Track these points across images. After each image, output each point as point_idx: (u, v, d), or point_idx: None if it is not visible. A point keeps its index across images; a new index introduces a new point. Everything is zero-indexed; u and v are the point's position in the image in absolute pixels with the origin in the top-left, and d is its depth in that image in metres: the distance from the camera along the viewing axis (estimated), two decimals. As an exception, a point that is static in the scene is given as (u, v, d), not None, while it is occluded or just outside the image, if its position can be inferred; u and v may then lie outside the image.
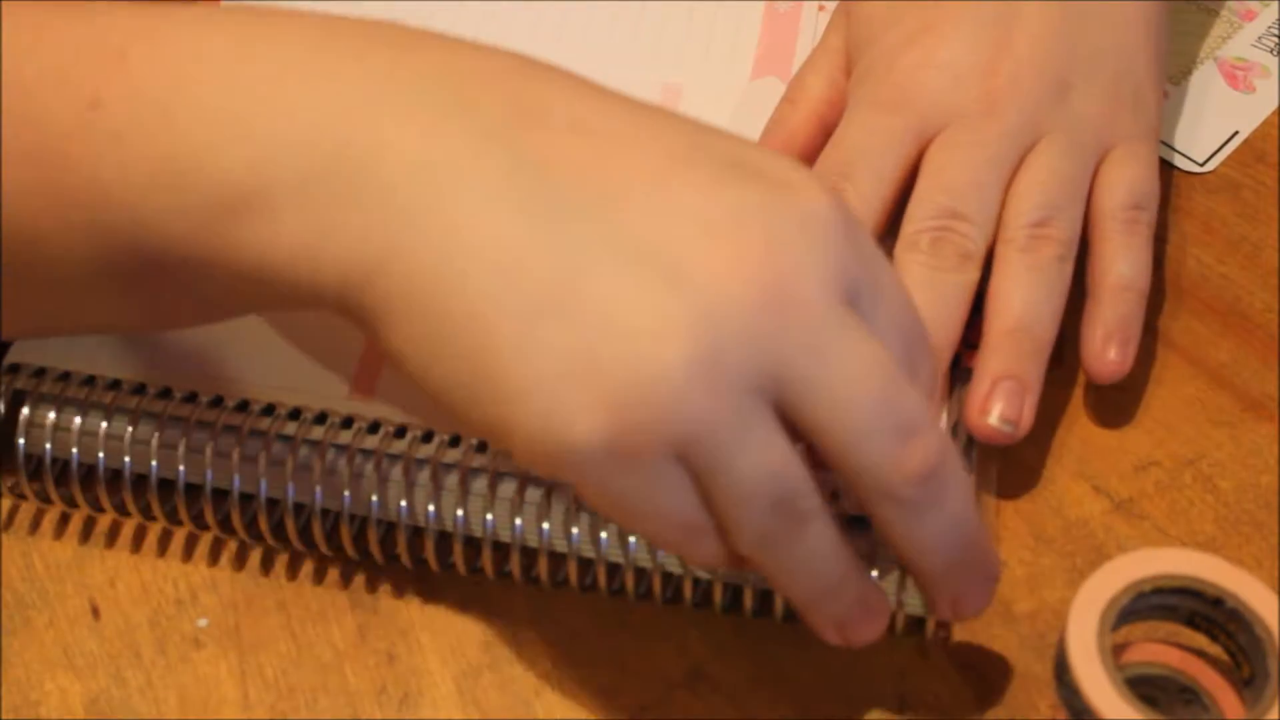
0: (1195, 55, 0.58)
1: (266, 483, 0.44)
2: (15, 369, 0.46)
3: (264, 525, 0.45)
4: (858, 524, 0.42)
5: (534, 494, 0.43)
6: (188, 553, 0.46)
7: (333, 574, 0.46)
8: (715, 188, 0.35)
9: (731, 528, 0.36)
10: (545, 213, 0.34)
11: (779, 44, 0.57)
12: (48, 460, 0.45)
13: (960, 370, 0.47)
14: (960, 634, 0.44)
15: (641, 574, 0.44)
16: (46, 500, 0.46)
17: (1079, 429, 0.49)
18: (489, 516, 0.43)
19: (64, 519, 0.47)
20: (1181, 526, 0.46)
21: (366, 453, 0.44)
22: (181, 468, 0.45)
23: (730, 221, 0.34)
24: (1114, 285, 0.48)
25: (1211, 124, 0.56)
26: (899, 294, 0.38)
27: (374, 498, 0.44)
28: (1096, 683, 0.37)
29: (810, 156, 0.51)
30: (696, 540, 0.36)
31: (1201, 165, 0.55)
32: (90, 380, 0.45)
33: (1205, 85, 0.57)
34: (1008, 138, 0.48)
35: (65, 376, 0.45)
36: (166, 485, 0.45)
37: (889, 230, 0.49)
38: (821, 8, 0.58)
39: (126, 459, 0.45)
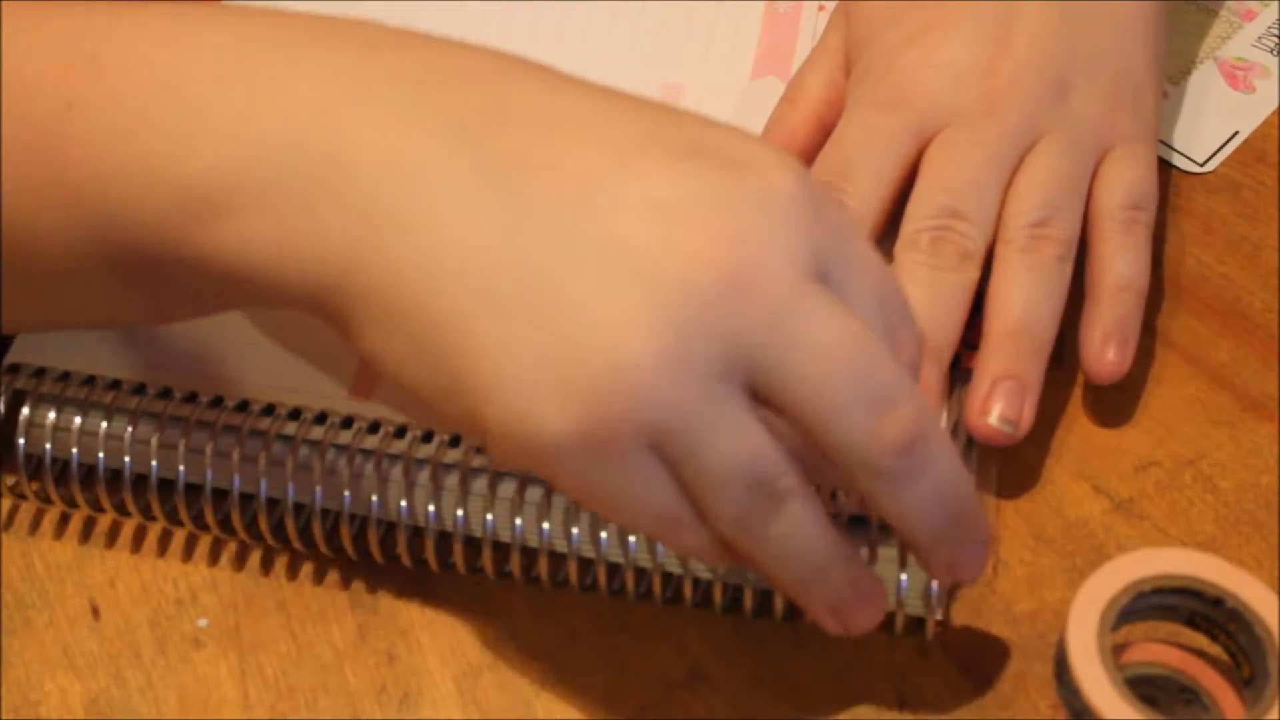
0: (1195, 55, 0.58)
1: (266, 483, 0.44)
2: (15, 369, 0.46)
3: (264, 525, 0.45)
4: (858, 524, 0.42)
5: (534, 494, 0.43)
6: (188, 553, 0.47)
7: (333, 574, 0.46)
8: (676, 174, 0.35)
9: (709, 512, 0.36)
10: (512, 212, 0.35)
11: (779, 44, 0.57)
12: (48, 460, 0.45)
13: (960, 370, 0.47)
14: (960, 634, 0.44)
15: (641, 574, 0.44)
16: (46, 500, 0.46)
17: (1079, 429, 0.49)
18: (489, 516, 0.43)
19: (64, 519, 0.47)
20: (1181, 526, 0.46)
21: (366, 453, 0.44)
22: (181, 468, 0.45)
23: (692, 208, 0.35)
24: (1112, 285, 0.48)
25: (1211, 124, 0.56)
26: (872, 262, 0.38)
27: (374, 498, 0.44)
28: (1096, 683, 0.37)
29: (810, 156, 0.51)
30: (677, 528, 0.37)
31: (1201, 165, 0.55)
32: (90, 380, 0.45)
33: (1205, 85, 0.57)
34: (1007, 137, 0.48)
35: (65, 376, 0.45)
36: (166, 485, 0.45)
37: (889, 230, 0.49)
38: (821, 8, 0.58)
39: (126, 459, 0.45)
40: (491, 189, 0.35)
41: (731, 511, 0.36)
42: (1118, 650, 0.40)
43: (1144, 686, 0.40)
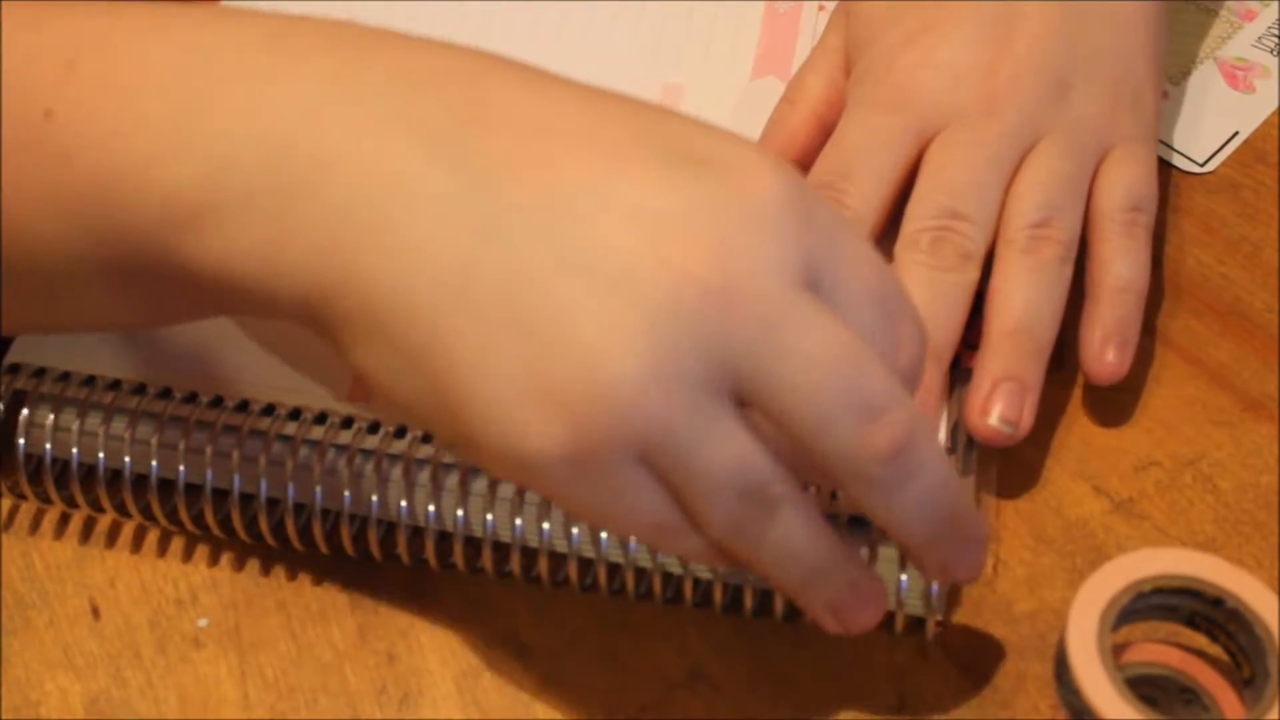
0: (1195, 55, 0.58)
1: (266, 483, 0.44)
2: (15, 369, 0.46)
3: (264, 525, 0.45)
4: (858, 524, 0.42)
5: (534, 494, 0.43)
6: (188, 553, 0.47)
7: (333, 574, 0.46)
8: (662, 180, 0.35)
9: (702, 520, 0.36)
10: (495, 225, 0.34)
11: (779, 44, 0.57)
12: (48, 460, 0.45)
13: (960, 371, 0.47)
14: (960, 635, 0.44)
15: (641, 574, 0.44)
16: (46, 500, 0.46)
17: (1079, 429, 0.49)
18: (489, 516, 0.43)
19: (64, 519, 0.47)
20: (1181, 526, 0.46)
21: (366, 453, 0.44)
22: (181, 468, 0.45)
23: (679, 217, 0.34)
24: (1112, 287, 0.48)
25: (1211, 124, 0.56)
26: (867, 260, 0.37)
27: (374, 498, 0.44)
28: (1096, 683, 0.37)
29: (810, 156, 0.51)
30: (671, 536, 0.37)
31: (1201, 165, 0.55)
32: (90, 380, 0.45)
33: (1205, 85, 0.57)
34: (1007, 138, 0.48)
35: (65, 377, 0.45)
36: (166, 485, 0.45)
37: (889, 229, 0.49)
38: (821, 8, 0.58)
39: (126, 459, 0.45)
40: (471, 196, 0.34)
41: (724, 519, 0.36)
42: (1118, 650, 0.40)
43: (1144, 686, 0.40)
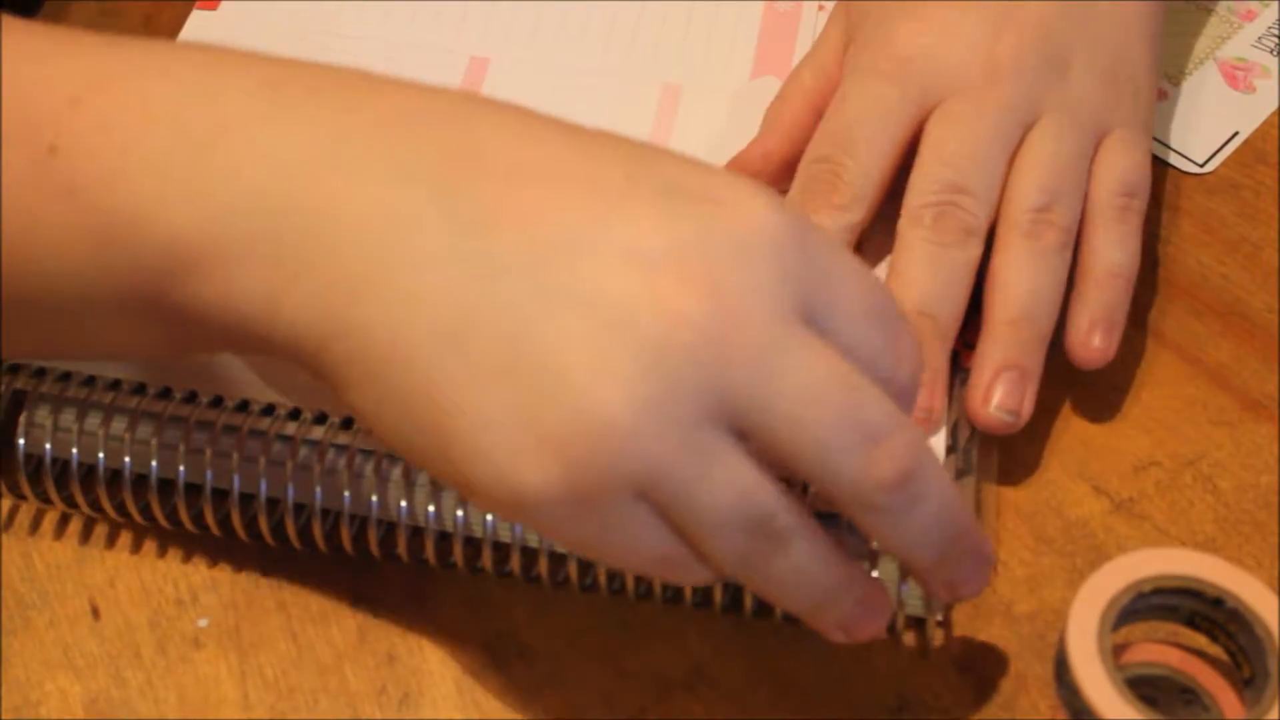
0: (1195, 55, 0.58)
1: (266, 483, 0.44)
2: (15, 369, 0.46)
3: (264, 525, 0.45)
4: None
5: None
6: (188, 553, 0.47)
7: (333, 574, 0.46)
8: (653, 223, 0.35)
9: (708, 555, 0.36)
10: (488, 271, 0.34)
11: (778, 44, 0.57)
12: (48, 461, 0.45)
13: (960, 371, 0.47)
14: (960, 634, 0.44)
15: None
16: (46, 501, 0.46)
17: (1079, 429, 0.49)
18: (489, 516, 0.43)
19: (64, 519, 0.47)
20: (1181, 526, 0.46)
21: (366, 453, 0.44)
22: (181, 468, 0.45)
23: (671, 258, 0.34)
24: (1103, 272, 0.48)
25: (1211, 124, 0.56)
26: (859, 280, 0.37)
27: (374, 498, 0.44)
28: (1096, 683, 0.37)
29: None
30: (676, 569, 0.37)
31: (1201, 166, 0.55)
32: (90, 380, 0.45)
33: (1205, 85, 0.57)
34: (1008, 111, 0.48)
35: (65, 376, 0.45)
36: (166, 485, 0.45)
37: (889, 199, 0.48)
38: (821, 7, 0.58)
39: (126, 459, 0.45)
40: (465, 242, 0.35)
41: (730, 554, 0.36)
42: (1118, 650, 0.40)
43: (1144, 686, 0.40)
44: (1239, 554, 0.46)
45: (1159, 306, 0.51)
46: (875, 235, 0.49)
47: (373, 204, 0.35)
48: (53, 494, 0.46)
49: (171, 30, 0.57)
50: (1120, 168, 0.49)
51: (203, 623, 0.45)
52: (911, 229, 0.47)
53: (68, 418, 0.45)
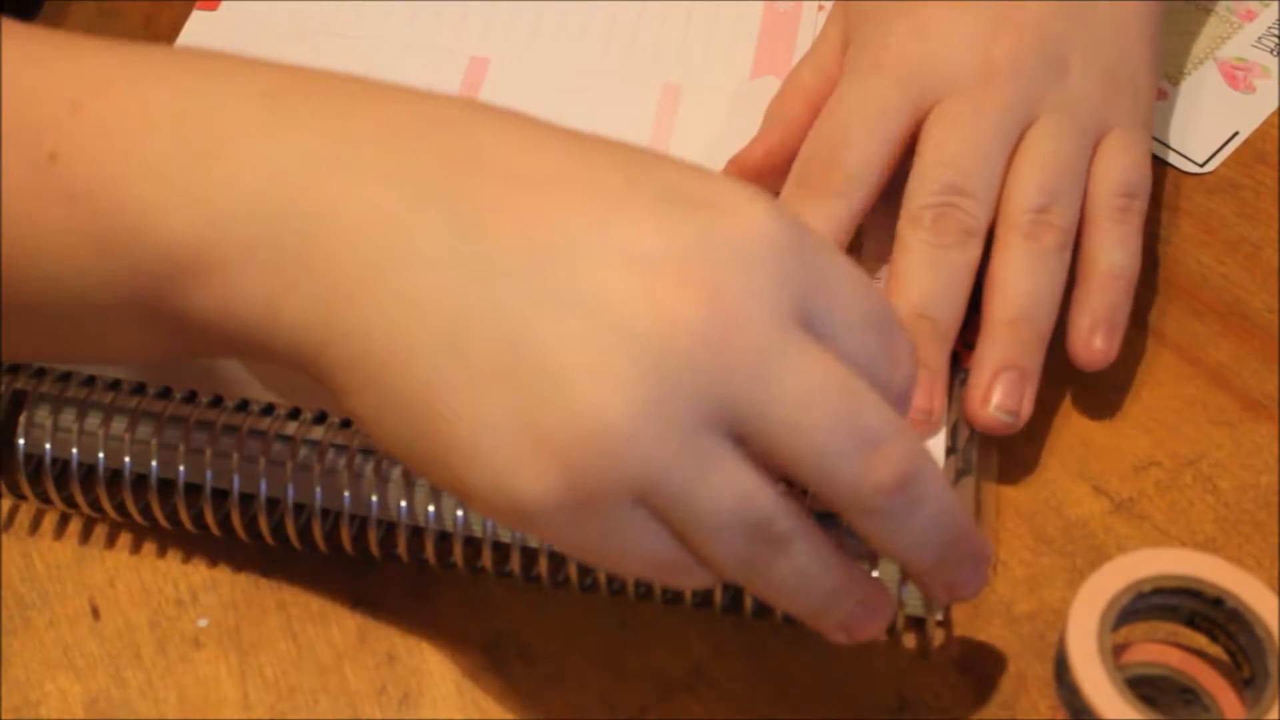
0: (1194, 55, 0.58)
1: (266, 483, 0.44)
2: (15, 369, 0.46)
3: (264, 525, 0.45)
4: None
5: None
6: (188, 553, 0.47)
7: (333, 574, 0.46)
8: (653, 226, 0.35)
9: (709, 560, 0.36)
10: (487, 274, 0.34)
11: (778, 44, 0.57)
12: (48, 461, 0.45)
13: (960, 372, 0.47)
14: (960, 634, 0.44)
15: (641, 574, 0.44)
16: (46, 501, 0.46)
17: (1078, 429, 0.49)
18: (489, 516, 0.43)
19: (64, 519, 0.47)
20: (1181, 526, 0.46)
21: (366, 453, 0.44)
22: (181, 468, 0.45)
23: (670, 262, 0.34)
24: (1104, 273, 0.48)
25: (1211, 124, 0.56)
26: (855, 284, 0.37)
27: (374, 498, 0.44)
28: (1096, 683, 0.37)
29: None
30: (676, 573, 0.36)
31: (1201, 166, 0.55)
32: (90, 380, 0.45)
33: (1205, 85, 0.57)
34: (1007, 111, 0.48)
35: (65, 376, 0.45)
36: (166, 485, 0.45)
37: (888, 200, 0.48)
38: (821, 7, 0.58)
39: (126, 459, 0.45)
40: (464, 247, 0.35)
41: (731, 558, 0.36)
42: (1118, 650, 0.40)
43: (1144, 686, 0.40)
44: (1239, 554, 0.46)
45: (1159, 306, 0.51)
46: (875, 237, 0.49)
47: (371, 208, 0.35)
48: (53, 494, 0.46)
49: (171, 31, 0.57)
50: (1120, 168, 0.49)
51: (203, 623, 0.45)
52: (911, 230, 0.47)
53: (68, 418, 0.45)
